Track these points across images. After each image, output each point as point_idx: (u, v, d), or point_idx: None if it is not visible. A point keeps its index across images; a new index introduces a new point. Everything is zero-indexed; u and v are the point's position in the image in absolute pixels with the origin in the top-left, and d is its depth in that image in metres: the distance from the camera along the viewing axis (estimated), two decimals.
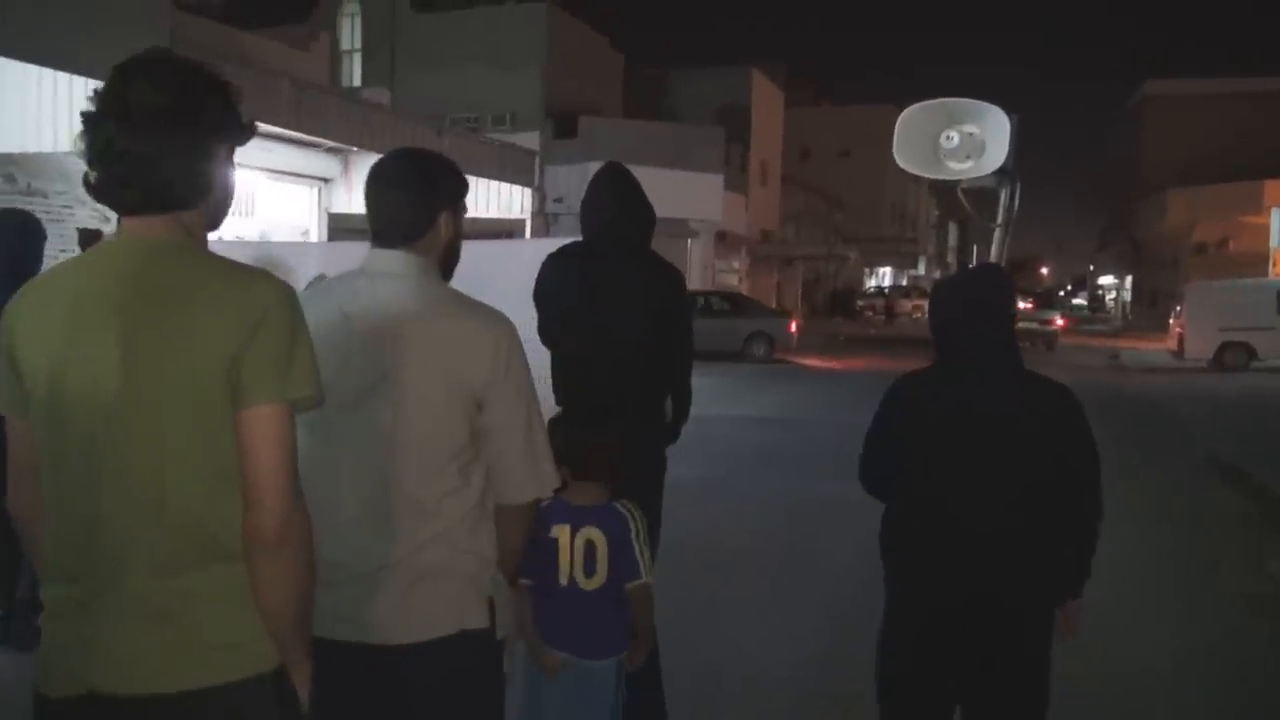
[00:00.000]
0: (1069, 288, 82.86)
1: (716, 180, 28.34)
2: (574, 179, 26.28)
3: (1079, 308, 66.99)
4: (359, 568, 1.71)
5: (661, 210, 3.27)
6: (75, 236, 12.63)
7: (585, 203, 3.10)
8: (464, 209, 1.94)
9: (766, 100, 36.75)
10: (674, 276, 3.11)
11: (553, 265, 3.07)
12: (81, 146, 1.43)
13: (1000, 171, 3.42)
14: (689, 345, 3.13)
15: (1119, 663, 4.11)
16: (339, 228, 16.05)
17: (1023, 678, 2.42)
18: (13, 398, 1.44)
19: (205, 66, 1.50)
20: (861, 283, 52.62)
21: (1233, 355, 18.90)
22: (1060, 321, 27.01)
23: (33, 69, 9.53)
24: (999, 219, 3.55)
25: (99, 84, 1.44)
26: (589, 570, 2.39)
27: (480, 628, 1.79)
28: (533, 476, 1.82)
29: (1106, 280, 59.40)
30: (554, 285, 3.04)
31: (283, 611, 1.42)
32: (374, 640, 1.72)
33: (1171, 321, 21.47)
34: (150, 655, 1.37)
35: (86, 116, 1.42)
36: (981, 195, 3.67)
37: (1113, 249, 51.53)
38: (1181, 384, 16.68)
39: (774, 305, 33.06)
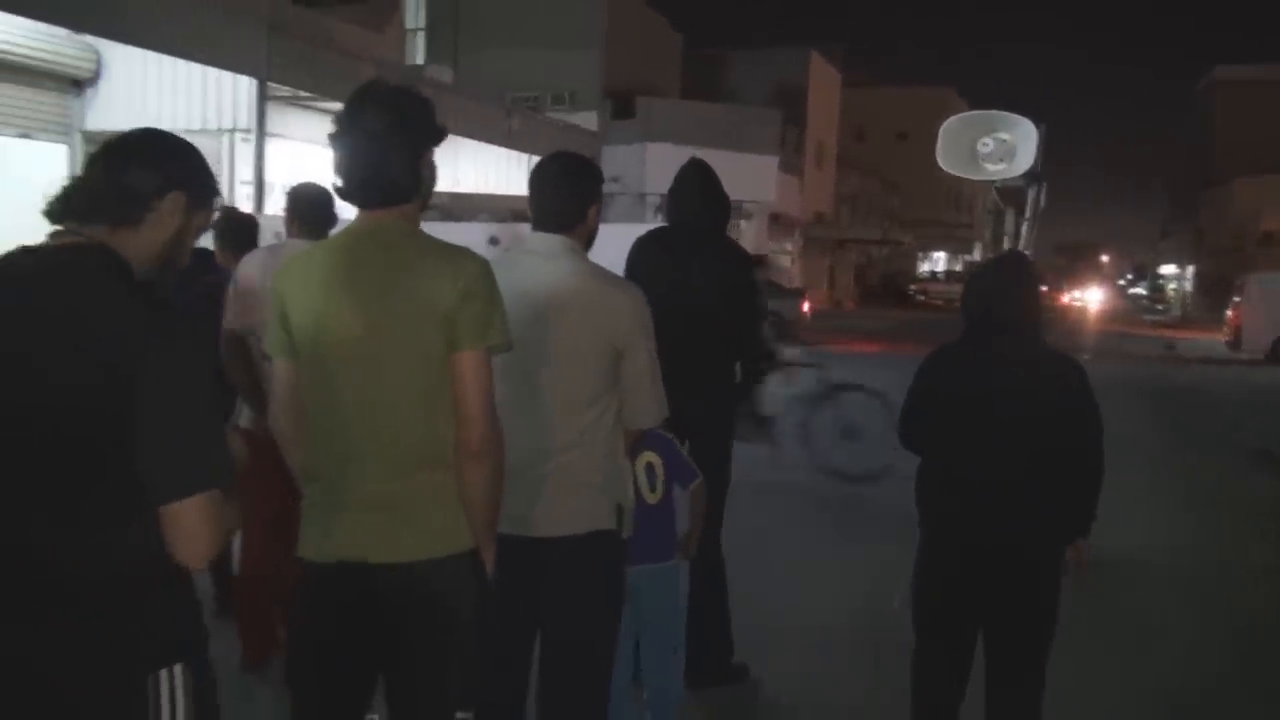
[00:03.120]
0: (1129, 276, 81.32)
1: (771, 162, 28.45)
2: (631, 159, 26.65)
3: (1137, 297, 65.85)
4: (524, 478, 2.19)
5: None
6: None
7: (672, 193, 3.58)
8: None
9: (823, 81, 36.73)
10: (746, 259, 3.61)
11: (642, 247, 3.56)
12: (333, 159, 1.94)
13: (1029, 174, 3.88)
14: (758, 319, 3.63)
15: (1140, 619, 4.54)
16: None
17: (1036, 605, 2.85)
18: (282, 344, 1.94)
19: (412, 90, 1.97)
20: (915, 267, 52.32)
21: None
22: None
23: (137, 52, 10.28)
24: (1027, 214, 4.03)
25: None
26: (652, 485, 2.93)
27: (609, 529, 2.31)
28: (654, 409, 2.36)
29: (1168, 270, 58.31)
30: (643, 264, 3.52)
31: (480, 505, 1.91)
32: (529, 533, 2.22)
33: (1229, 312, 21.33)
34: (384, 534, 1.88)
35: (332, 136, 1.92)
36: (1013, 193, 4.13)
37: (1175, 237, 50.63)
38: (1234, 375, 16.71)
39: (827, 289, 33.21)
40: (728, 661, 3.65)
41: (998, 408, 2.79)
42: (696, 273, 3.41)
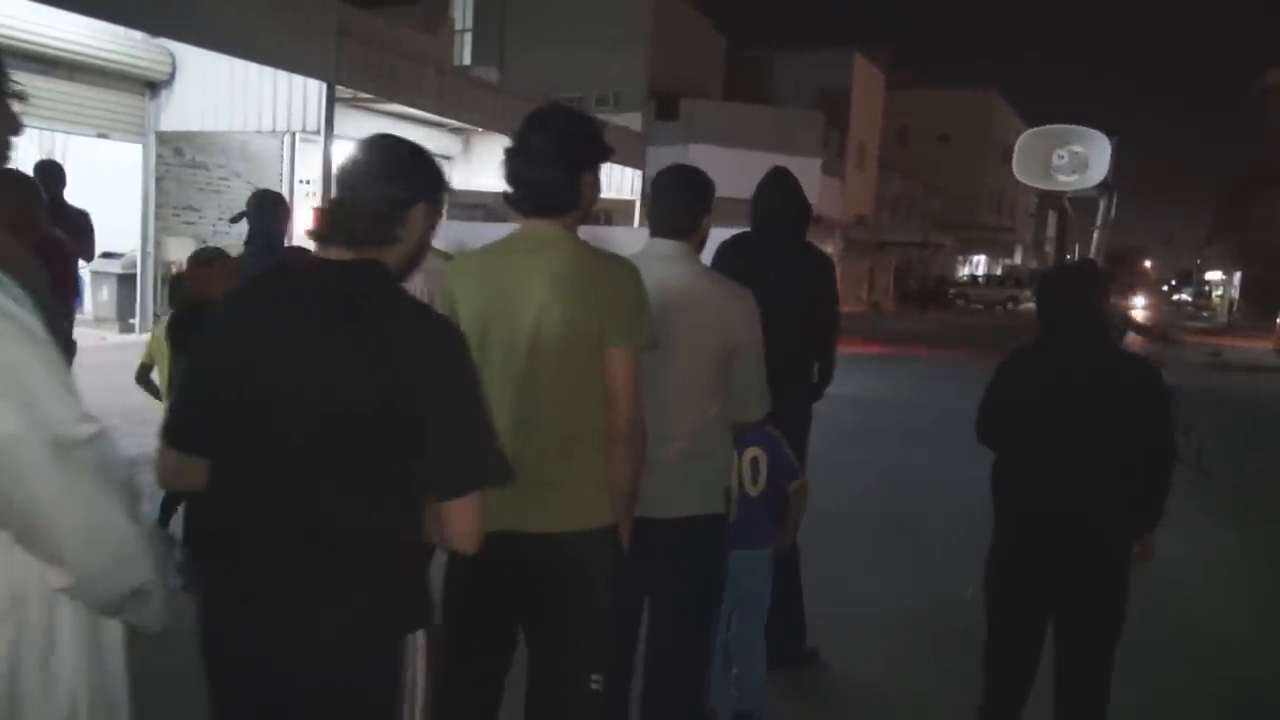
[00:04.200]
0: (1173, 282, 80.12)
1: (814, 164, 28.40)
2: (674, 160, 26.70)
3: (1181, 303, 64.92)
4: (649, 466, 2.38)
5: None
6: (230, 206, 13.89)
7: (755, 200, 3.77)
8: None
9: (867, 84, 36.66)
10: (826, 262, 3.79)
11: (727, 251, 3.76)
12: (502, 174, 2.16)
13: (1101, 185, 4.06)
14: (836, 320, 3.81)
15: (1198, 618, 4.67)
16: (456, 204, 16.99)
17: (1107, 591, 3.01)
18: None
19: (581, 115, 2.18)
20: (954, 270, 51.97)
21: None
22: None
23: (210, 56, 10.64)
24: (1098, 223, 4.23)
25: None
26: (755, 479, 3.13)
27: (719, 512, 2.52)
28: (760, 403, 2.57)
29: (1214, 276, 57.41)
30: (728, 268, 3.72)
31: (622, 485, 2.12)
32: (647, 514, 2.37)
33: (1278, 320, 21.08)
34: (538, 507, 2.09)
35: (507, 152, 2.15)
36: (1084, 203, 4.32)
37: (1222, 243, 49.86)
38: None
39: (866, 292, 33.09)
40: (801, 645, 3.84)
41: (1074, 406, 2.95)
42: (781, 275, 3.59)
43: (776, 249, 3.68)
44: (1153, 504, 3.06)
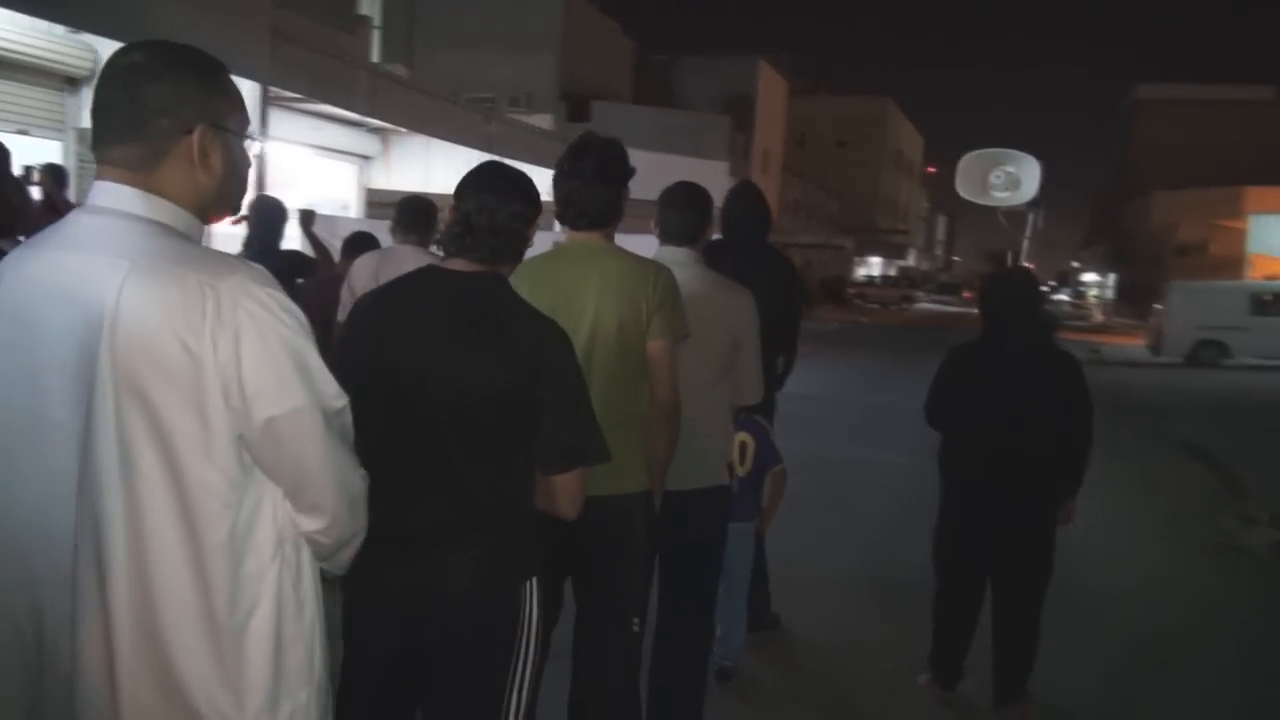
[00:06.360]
0: (1052, 283, 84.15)
1: (721, 168, 29.08)
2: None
3: (1059, 304, 68.34)
4: None
5: None
6: None
7: (727, 210, 4.19)
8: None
9: (771, 90, 37.70)
10: (789, 265, 4.24)
11: (707, 256, 4.15)
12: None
13: (1031, 201, 4.66)
14: (798, 316, 4.26)
15: (1098, 580, 5.31)
16: (375, 203, 16.92)
17: (1037, 551, 3.54)
18: None
19: (615, 142, 2.54)
20: (852, 271, 53.72)
21: (1206, 352, 20.16)
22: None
23: None
24: (1027, 234, 4.83)
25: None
26: (742, 461, 3.56)
27: (724, 484, 2.94)
28: (758, 389, 2.99)
29: (1090, 278, 60.83)
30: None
31: (660, 456, 2.51)
32: (668, 487, 2.72)
33: (1151, 319, 22.70)
34: (591, 475, 2.37)
35: (556, 176, 2.50)
36: (1016, 216, 4.94)
37: (1097, 247, 52.93)
38: (1157, 377, 17.92)
39: None
40: (766, 611, 4.28)
41: (1013, 390, 3.48)
42: (758, 279, 4.01)
43: (754, 255, 4.11)
44: (1074, 474, 3.61)
